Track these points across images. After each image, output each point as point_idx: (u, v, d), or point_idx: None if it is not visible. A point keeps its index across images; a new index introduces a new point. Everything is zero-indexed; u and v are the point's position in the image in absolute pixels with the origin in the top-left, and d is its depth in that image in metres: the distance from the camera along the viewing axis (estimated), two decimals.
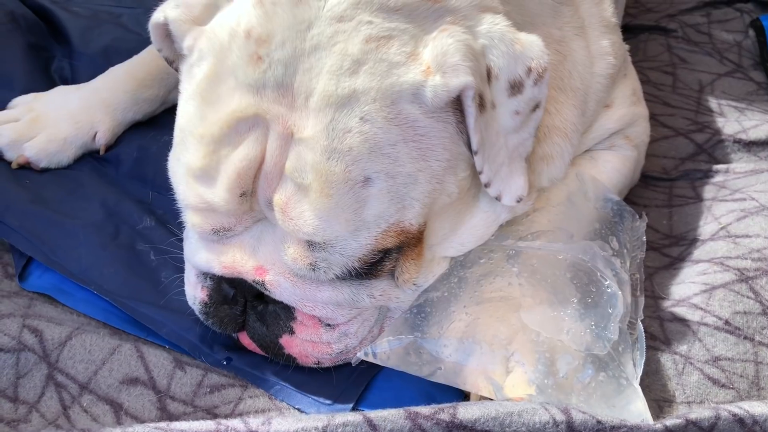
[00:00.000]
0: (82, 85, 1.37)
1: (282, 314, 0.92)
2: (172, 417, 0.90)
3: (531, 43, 0.88)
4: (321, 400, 0.93)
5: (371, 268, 0.89)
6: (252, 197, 0.86)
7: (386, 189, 0.84)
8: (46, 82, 1.45)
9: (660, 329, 0.99)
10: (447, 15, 0.86)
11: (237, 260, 0.89)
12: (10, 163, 1.27)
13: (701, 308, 1.00)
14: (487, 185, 0.91)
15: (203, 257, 0.91)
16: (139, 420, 0.89)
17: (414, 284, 0.93)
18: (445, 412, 0.81)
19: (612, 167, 1.14)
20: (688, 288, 1.04)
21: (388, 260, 0.90)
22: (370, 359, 0.89)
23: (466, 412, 0.81)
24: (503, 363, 0.86)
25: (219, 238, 0.89)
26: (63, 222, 1.16)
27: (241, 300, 0.93)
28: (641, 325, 0.94)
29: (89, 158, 1.32)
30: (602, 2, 1.12)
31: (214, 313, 0.95)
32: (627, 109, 1.15)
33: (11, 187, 1.21)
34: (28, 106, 1.32)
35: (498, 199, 0.92)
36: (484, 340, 0.87)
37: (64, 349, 0.95)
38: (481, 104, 0.85)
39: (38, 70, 1.49)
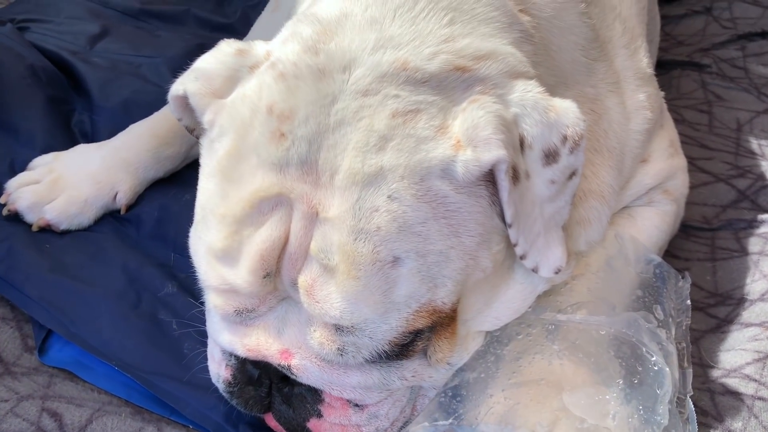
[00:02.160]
0: (102, 143, 1.35)
1: (309, 397, 0.88)
2: None
3: (566, 109, 0.84)
4: None
5: (402, 349, 0.85)
6: (276, 277, 0.82)
7: (416, 268, 0.79)
8: (66, 137, 1.44)
9: (711, 404, 0.94)
10: (477, 84, 0.82)
11: (261, 343, 0.85)
12: (30, 225, 1.25)
13: (755, 380, 0.94)
14: (522, 257, 0.86)
15: (226, 338, 0.87)
16: None
17: (448, 363, 0.88)
18: None
19: (651, 224, 1.09)
20: (739, 356, 0.98)
21: (420, 340, 0.86)
22: None
23: None
24: None
25: (242, 319, 0.85)
26: (83, 291, 1.13)
27: (267, 381, 0.89)
28: (691, 402, 0.88)
29: (110, 218, 1.30)
30: (637, 53, 1.08)
31: (239, 393, 0.91)
32: (665, 163, 1.10)
33: (31, 255, 1.18)
34: (48, 167, 1.30)
35: (535, 270, 0.87)
36: (524, 426, 0.82)
37: None
38: (515, 176, 0.81)
39: (59, 125, 1.48)
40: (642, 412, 0.81)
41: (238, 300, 0.83)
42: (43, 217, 1.25)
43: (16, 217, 1.26)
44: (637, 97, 1.04)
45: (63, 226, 1.26)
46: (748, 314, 1.05)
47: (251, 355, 0.86)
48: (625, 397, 0.83)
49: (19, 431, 0.90)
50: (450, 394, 0.86)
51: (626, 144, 1.02)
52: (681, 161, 1.15)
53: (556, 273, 0.88)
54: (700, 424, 0.91)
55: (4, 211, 1.26)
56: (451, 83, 0.81)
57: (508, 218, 0.82)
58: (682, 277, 1.04)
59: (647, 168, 1.08)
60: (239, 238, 0.81)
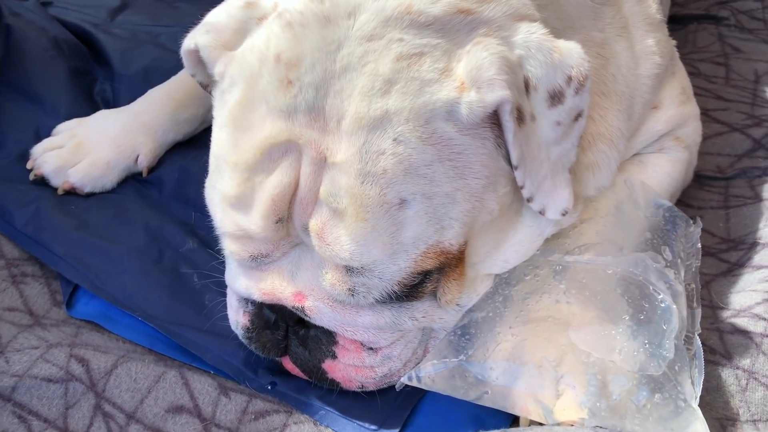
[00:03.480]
0: (122, 108, 1.38)
1: (324, 339, 0.90)
2: None
3: (570, 50, 0.84)
4: (366, 425, 0.92)
5: (412, 290, 0.87)
6: (288, 223, 0.85)
7: (423, 210, 0.81)
8: (90, 106, 1.47)
9: (720, 342, 0.95)
10: (481, 27, 0.83)
11: (276, 287, 0.88)
12: (56, 189, 1.29)
13: (764, 318, 0.95)
14: (529, 200, 0.87)
15: (243, 284, 0.90)
16: None
17: (457, 304, 0.91)
18: None
19: (662, 171, 1.09)
20: (749, 297, 0.99)
21: (429, 281, 0.88)
22: (415, 383, 0.87)
23: None
24: (553, 385, 0.83)
25: (257, 264, 0.88)
26: (107, 248, 1.16)
27: (283, 325, 0.92)
28: (699, 340, 0.89)
29: (132, 181, 1.33)
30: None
31: (257, 338, 0.94)
32: (676, 110, 1.10)
33: (57, 215, 1.22)
34: (71, 132, 1.34)
35: (542, 213, 0.89)
36: (531, 361, 0.84)
37: (110, 378, 0.95)
38: (520, 117, 0.82)
39: (82, 95, 1.51)
40: (648, 346, 0.83)
41: (252, 245, 0.86)
42: (67, 180, 1.29)
43: (42, 181, 1.30)
44: (646, 42, 1.04)
45: (87, 189, 1.29)
46: (759, 257, 1.05)
47: (267, 298, 0.89)
48: (631, 333, 0.84)
49: (49, 375, 0.94)
50: (459, 333, 0.89)
51: (635, 88, 1.03)
52: (693, 109, 1.15)
53: (563, 215, 0.89)
54: (708, 361, 0.92)
55: (31, 176, 1.30)
56: (454, 26, 0.82)
57: (514, 160, 0.83)
58: (693, 222, 1.05)
59: (658, 114, 1.08)
60: (251, 184, 0.83)
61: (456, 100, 0.79)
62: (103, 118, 1.36)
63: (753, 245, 1.08)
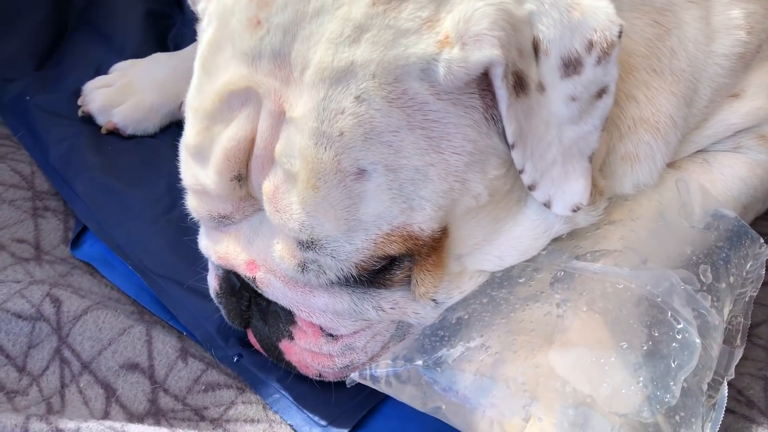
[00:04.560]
0: (174, 53, 1.35)
1: (282, 316, 0.81)
2: (159, 412, 0.83)
3: (595, 9, 0.68)
4: (316, 419, 0.82)
5: (377, 276, 0.75)
6: (248, 182, 0.76)
7: (386, 185, 0.69)
8: (159, 50, 1.45)
9: (763, 395, 0.76)
10: None
11: (230, 252, 0.79)
12: (100, 128, 1.29)
13: None
14: (532, 188, 0.73)
15: (203, 244, 0.83)
16: (126, 410, 0.83)
17: (433, 299, 0.78)
18: None
19: (733, 174, 0.89)
20: None
21: (398, 269, 0.76)
22: (367, 383, 0.76)
23: None
24: (520, 413, 0.68)
25: (217, 225, 0.80)
26: (124, 192, 1.14)
27: (246, 294, 0.84)
28: (726, 387, 0.71)
29: (176, 128, 1.29)
30: None
31: (225, 304, 0.86)
32: (765, 102, 0.89)
33: (89, 154, 1.21)
34: (123, 72, 1.33)
35: (547, 205, 0.74)
36: (501, 380, 0.70)
37: (77, 323, 0.91)
38: (520, 85, 0.67)
39: (153, 38, 1.51)
40: (646, 386, 0.66)
41: (210, 203, 0.78)
42: (110, 120, 1.28)
43: (90, 120, 1.30)
44: (729, 13, 0.85)
45: (129, 131, 1.28)
46: None
47: (221, 263, 0.81)
48: (627, 366, 0.68)
49: (20, 311, 0.92)
50: (428, 332, 0.76)
51: (703, 69, 0.83)
52: None
53: (574, 211, 0.74)
54: (741, 416, 0.74)
55: (79, 113, 1.30)
56: None
57: (510, 137, 0.69)
58: (766, 243, 0.85)
59: (737, 105, 0.88)
60: (210, 134, 0.75)
61: (434, 57, 0.66)
62: (156, 61, 1.34)
63: None
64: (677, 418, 0.66)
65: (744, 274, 0.82)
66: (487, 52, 0.65)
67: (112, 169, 1.19)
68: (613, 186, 0.83)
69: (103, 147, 1.25)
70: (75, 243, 1.10)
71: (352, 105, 0.67)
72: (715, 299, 0.75)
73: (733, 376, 0.73)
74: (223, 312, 0.87)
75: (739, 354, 0.75)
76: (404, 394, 0.74)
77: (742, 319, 0.78)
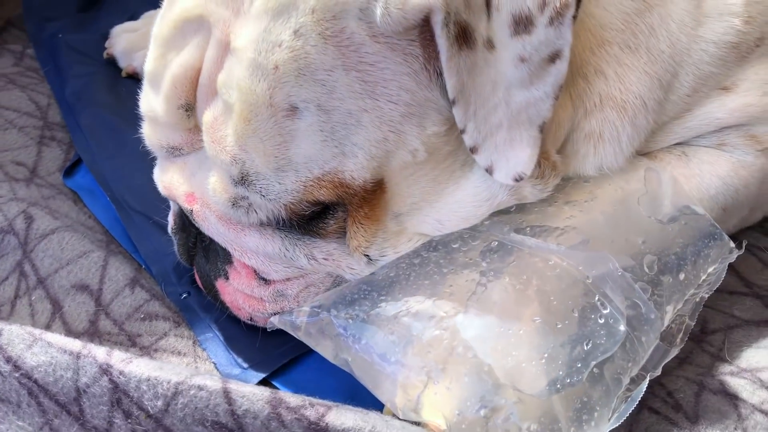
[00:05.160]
0: None
1: (221, 255, 0.81)
2: (96, 333, 0.85)
3: None
4: (239, 361, 0.82)
5: (309, 223, 0.75)
6: (195, 113, 0.76)
7: (318, 126, 0.68)
8: None
9: (693, 400, 0.70)
10: None
11: (174, 182, 0.80)
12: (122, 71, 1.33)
13: None
14: (473, 150, 0.70)
15: (155, 174, 0.84)
16: (66, 327, 0.85)
17: (365, 254, 0.76)
18: (313, 409, 0.65)
19: (711, 171, 0.84)
20: (765, 355, 0.72)
21: (332, 219, 0.75)
22: (287, 329, 0.75)
23: (338, 417, 0.64)
24: (420, 373, 0.66)
25: (167, 155, 0.80)
26: (123, 131, 1.16)
27: (193, 231, 0.84)
28: (646, 384, 0.66)
29: None
30: None
31: (177, 239, 0.87)
32: (758, 100, 0.83)
33: (101, 92, 1.25)
34: (149, 19, 1.36)
35: (489, 172, 0.71)
36: (409, 339, 0.68)
37: (43, 241, 0.94)
38: (464, 38, 0.65)
39: None
40: (547, 362, 0.63)
41: (160, 131, 0.79)
42: (131, 63, 1.31)
43: (113, 62, 1.34)
44: None
45: None
46: None
47: (166, 193, 0.82)
48: (534, 341, 0.64)
49: None
50: (353, 285, 0.74)
51: (686, 53, 0.78)
52: None
53: (517, 180, 0.71)
54: (665, 418, 0.69)
55: (104, 54, 1.35)
56: None
57: (450, 90, 0.67)
58: (736, 248, 0.79)
59: (726, 99, 0.82)
60: (164, 61, 0.75)
61: None
62: None
63: None
64: (579, 403, 0.62)
65: (703, 275, 0.76)
66: None
67: (120, 108, 1.22)
68: (575, 165, 0.79)
69: (117, 88, 1.28)
70: (69, 172, 1.13)
71: (290, 39, 0.66)
72: (656, 293, 0.70)
73: (658, 373, 0.68)
74: (175, 247, 0.88)
75: (673, 353, 0.70)
76: (319, 345, 0.73)
77: (688, 320, 0.73)
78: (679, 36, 0.77)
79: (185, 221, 0.84)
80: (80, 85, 1.26)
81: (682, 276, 0.74)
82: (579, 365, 0.63)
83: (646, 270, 0.72)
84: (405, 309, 0.70)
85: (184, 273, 0.93)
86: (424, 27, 0.66)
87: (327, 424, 0.64)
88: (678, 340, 0.72)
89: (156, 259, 0.95)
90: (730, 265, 0.87)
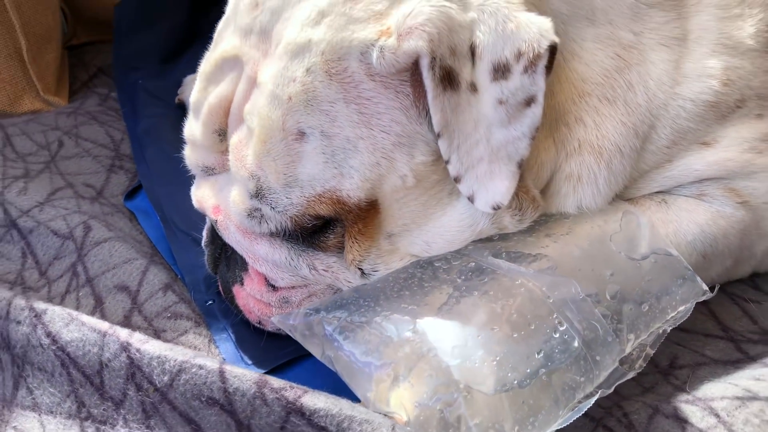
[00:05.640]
0: None
1: (239, 263, 0.92)
2: (128, 325, 0.96)
3: (530, 23, 0.75)
4: (245, 358, 0.91)
5: (312, 236, 0.85)
6: (227, 138, 0.88)
7: (321, 149, 0.79)
8: None
9: (646, 422, 0.75)
10: None
11: (205, 196, 0.92)
12: None
13: (717, 415, 0.73)
14: (457, 180, 0.80)
15: (192, 190, 0.96)
16: (104, 318, 0.97)
17: (359, 268, 0.86)
18: (292, 391, 0.74)
19: (690, 219, 0.89)
20: (722, 388, 0.77)
21: (332, 233, 0.85)
22: (286, 329, 0.84)
23: (312, 399, 0.73)
24: (392, 372, 0.74)
25: (203, 174, 0.93)
26: (180, 163, 1.30)
27: (220, 242, 0.96)
28: (593, 400, 0.72)
29: None
30: (738, 19, 0.89)
31: (208, 251, 0.99)
32: (738, 156, 0.89)
33: (168, 130, 1.41)
34: None
35: (471, 200, 0.80)
36: (383, 342, 0.76)
37: (96, 247, 1.08)
38: (449, 80, 0.76)
39: None
40: (498, 364, 0.70)
41: (197, 153, 0.92)
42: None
43: (183, 107, 1.51)
44: (705, 62, 0.87)
45: None
46: None
47: (198, 206, 0.94)
48: (489, 345, 0.71)
49: (57, 229, 1.10)
50: (347, 293, 0.84)
51: (663, 108, 0.86)
52: None
53: (495, 209, 0.79)
54: None
55: (176, 99, 1.52)
56: None
57: (435, 125, 0.77)
58: (710, 291, 0.84)
59: (706, 153, 0.89)
60: (205, 93, 0.89)
61: (372, 42, 0.76)
62: None
63: None
64: (525, 406, 0.69)
65: (671, 311, 0.82)
66: (413, 43, 0.74)
67: (180, 145, 1.37)
68: (557, 203, 0.87)
69: (181, 128, 1.44)
70: (129, 196, 1.28)
71: (302, 75, 0.78)
72: (616, 319, 0.77)
73: (610, 391, 0.73)
74: (205, 258, 1.00)
75: (629, 375, 0.76)
76: (309, 343, 0.82)
77: (649, 348, 0.78)
78: (657, 92, 0.85)
79: (214, 234, 0.96)
80: (150, 123, 1.43)
81: (645, 307, 0.79)
82: (528, 371, 0.70)
83: (608, 297, 0.78)
84: (385, 314, 0.78)
85: (212, 284, 1.04)
86: (415, 69, 0.77)
87: (302, 404, 0.73)
88: (637, 365, 0.77)
89: (190, 270, 1.07)
90: (711, 311, 0.93)
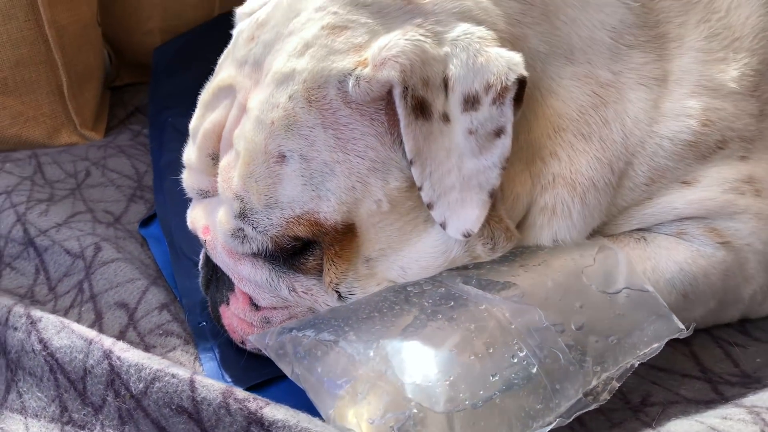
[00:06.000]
0: None
1: (226, 283, 0.96)
2: (122, 340, 1.00)
3: (499, 57, 0.79)
4: (225, 376, 0.94)
5: (292, 258, 0.88)
6: (219, 161, 0.93)
7: (300, 172, 0.83)
8: None
9: None
10: (418, 17, 0.82)
11: (197, 217, 0.96)
12: None
13: None
14: (429, 206, 0.82)
15: (187, 212, 1.01)
16: (101, 332, 1.01)
17: (336, 290, 0.88)
18: (254, 402, 0.76)
19: (668, 257, 0.89)
20: (687, 425, 0.75)
21: (311, 255, 0.88)
22: (259, 344, 0.87)
23: (272, 411, 0.75)
24: (351, 389, 0.76)
25: (198, 197, 0.98)
26: None
27: (211, 264, 1.00)
28: (550, 426, 0.72)
29: None
30: (721, 63, 0.91)
31: (202, 273, 1.03)
32: (719, 196, 0.89)
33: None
34: None
35: (443, 226, 0.82)
36: (348, 360, 0.78)
37: (103, 267, 1.13)
38: (421, 109, 0.79)
39: None
40: (451, 384, 0.71)
41: (193, 177, 0.97)
42: None
43: None
44: (685, 102, 0.88)
45: None
46: (753, 398, 0.79)
47: (191, 227, 0.98)
48: (444, 365, 0.73)
49: (70, 248, 1.17)
50: (322, 314, 0.86)
51: (640, 145, 0.87)
52: (757, 205, 0.91)
53: (465, 236, 0.81)
54: None
55: None
56: (391, 12, 0.83)
57: (408, 152, 0.80)
58: (685, 329, 0.83)
59: (686, 192, 0.89)
60: (202, 120, 0.95)
61: (349, 72, 0.81)
62: None
63: (764, 387, 0.81)
64: (477, 427, 0.69)
65: (643, 347, 0.81)
66: (386, 73, 0.78)
67: None
68: (533, 235, 0.88)
69: None
70: (145, 223, 1.34)
71: (284, 101, 0.83)
72: (580, 350, 0.77)
73: (569, 420, 0.73)
74: (199, 280, 1.04)
75: (592, 407, 0.75)
76: (281, 361, 0.84)
77: (615, 381, 0.78)
78: (633, 129, 0.87)
79: (207, 257, 1.00)
80: (173, 157, 1.49)
81: (613, 340, 0.79)
82: (482, 392, 0.71)
83: (573, 328, 0.78)
84: (351, 334, 0.80)
85: (206, 308, 1.08)
86: (389, 98, 0.80)
87: (262, 415, 0.75)
88: (601, 397, 0.77)
89: (188, 293, 1.11)
90: (692, 352, 0.91)
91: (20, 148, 1.59)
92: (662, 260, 0.89)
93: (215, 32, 1.91)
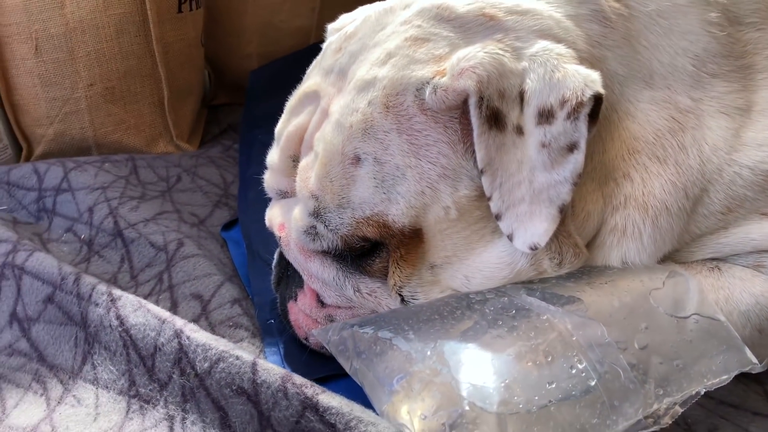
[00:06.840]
0: None
1: (296, 279, 0.99)
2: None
3: (576, 74, 0.80)
4: (288, 368, 0.96)
5: (360, 258, 0.90)
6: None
7: (373, 174, 0.86)
8: None
9: None
10: (498, 33, 0.85)
11: (274, 215, 1.00)
12: None
13: None
14: (497, 217, 0.83)
15: (266, 211, 1.06)
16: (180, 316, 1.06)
17: (399, 294, 0.89)
18: (311, 388, 0.78)
19: (743, 288, 0.86)
20: None
21: (378, 257, 0.90)
22: (321, 339, 0.89)
23: (327, 398, 0.77)
24: (407, 385, 0.77)
25: (277, 197, 1.02)
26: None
27: (284, 263, 1.03)
28: None
29: None
30: None
31: (274, 271, 1.07)
32: None
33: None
34: None
35: (510, 238, 0.83)
36: (405, 357, 0.79)
37: (183, 260, 1.19)
38: (495, 120, 0.81)
39: None
40: (506, 387, 0.71)
41: (274, 178, 1.01)
42: None
43: None
44: (766, 133, 0.87)
45: None
46: None
47: (268, 224, 1.02)
48: (500, 368, 0.73)
49: (155, 242, 1.23)
50: (386, 313, 0.87)
51: (718, 173, 0.86)
52: None
53: (532, 249, 0.82)
54: None
55: None
56: (473, 27, 0.86)
57: (479, 161, 0.82)
58: (758, 363, 0.81)
59: (765, 224, 0.87)
60: (287, 124, 1.00)
61: (427, 81, 0.83)
62: None
63: None
64: (528, 431, 0.69)
65: (712, 377, 0.79)
66: (462, 83, 0.80)
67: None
68: (603, 255, 0.87)
69: None
70: (227, 227, 1.40)
71: (364, 107, 0.87)
72: (641, 370, 0.75)
73: None
74: (272, 278, 1.08)
75: (651, 428, 0.73)
76: (341, 356, 0.86)
77: (678, 406, 0.76)
78: (711, 156, 0.86)
79: (281, 256, 1.04)
80: (259, 170, 1.57)
81: (678, 364, 0.77)
82: (536, 398, 0.70)
83: (636, 347, 0.77)
84: (411, 333, 0.81)
85: (276, 307, 1.11)
86: (465, 108, 0.83)
87: (318, 401, 0.76)
88: (663, 421, 0.75)
89: (261, 292, 1.15)
90: (765, 390, 0.88)
91: (119, 153, 1.70)
92: (737, 291, 0.87)
93: (309, 60, 2.00)
